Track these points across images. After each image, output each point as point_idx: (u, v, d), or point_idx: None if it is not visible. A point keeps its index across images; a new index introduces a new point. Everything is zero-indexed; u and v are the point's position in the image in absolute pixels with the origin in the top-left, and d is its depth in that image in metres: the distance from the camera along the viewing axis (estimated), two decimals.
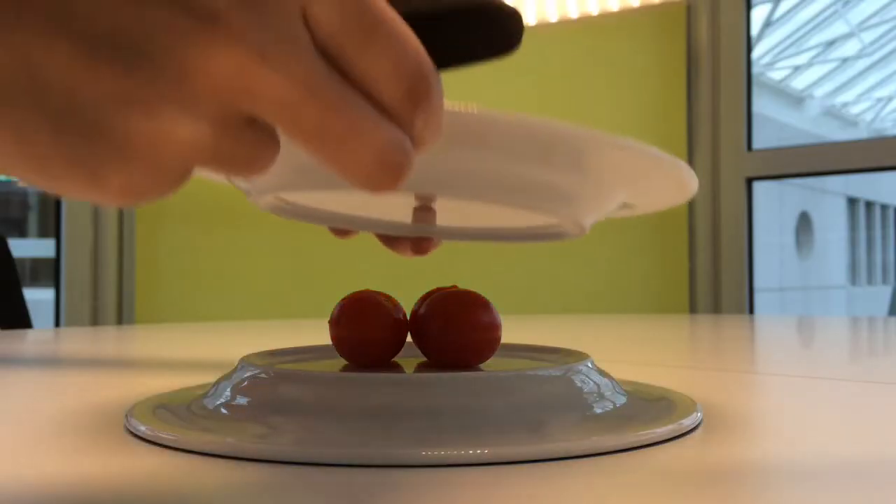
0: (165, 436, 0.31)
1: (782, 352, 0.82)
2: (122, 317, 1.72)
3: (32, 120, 0.20)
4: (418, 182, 0.27)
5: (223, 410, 0.33)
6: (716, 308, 1.83)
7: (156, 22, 0.19)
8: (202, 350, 0.75)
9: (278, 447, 0.29)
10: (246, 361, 0.36)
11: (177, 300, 1.74)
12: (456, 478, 0.26)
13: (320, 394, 0.31)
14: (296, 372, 0.34)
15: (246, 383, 0.34)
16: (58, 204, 1.73)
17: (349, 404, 0.31)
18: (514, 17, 0.27)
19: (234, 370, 0.36)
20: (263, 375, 0.34)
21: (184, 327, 1.18)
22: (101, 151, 0.20)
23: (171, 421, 0.33)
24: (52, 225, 1.77)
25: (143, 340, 0.96)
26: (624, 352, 0.74)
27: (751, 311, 1.83)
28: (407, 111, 0.21)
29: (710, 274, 1.82)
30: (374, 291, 0.39)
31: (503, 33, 0.27)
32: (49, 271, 1.77)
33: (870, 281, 6.03)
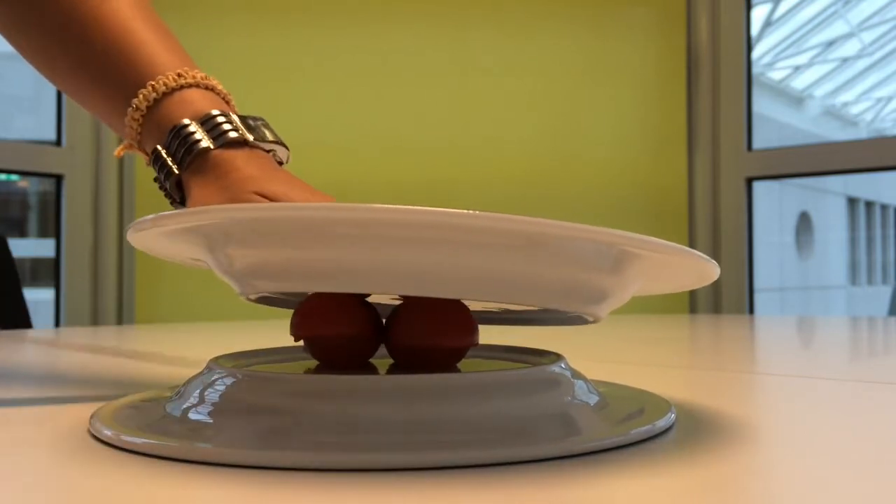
0: (124, 439, 0.30)
1: (782, 352, 0.82)
2: (122, 317, 1.72)
3: None
4: (461, 288, 0.30)
5: (188, 414, 0.32)
6: (716, 308, 1.83)
7: None
8: (201, 350, 0.75)
9: (242, 452, 0.28)
10: (214, 363, 0.35)
11: (177, 300, 1.74)
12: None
13: (285, 397, 0.30)
14: (261, 374, 0.32)
15: (212, 386, 0.33)
16: (58, 204, 1.73)
17: (315, 408, 0.29)
18: None
19: (202, 372, 0.35)
20: (230, 378, 0.33)
21: (184, 327, 1.18)
22: None
23: (134, 424, 0.32)
24: (52, 225, 1.77)
25: (142, 341, 0.96)
26: (623, 352, 0.74)
27: (751, 311, 1.83)
28: None
29: None
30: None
31: None
32: (49, 271, 1.76)
33: (870, 281, 6.02)
